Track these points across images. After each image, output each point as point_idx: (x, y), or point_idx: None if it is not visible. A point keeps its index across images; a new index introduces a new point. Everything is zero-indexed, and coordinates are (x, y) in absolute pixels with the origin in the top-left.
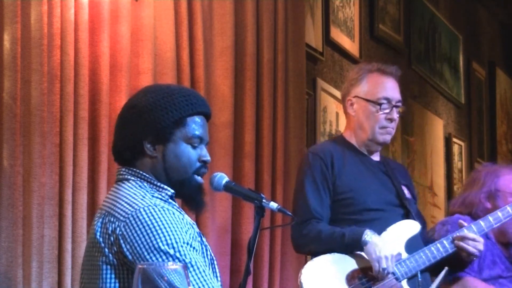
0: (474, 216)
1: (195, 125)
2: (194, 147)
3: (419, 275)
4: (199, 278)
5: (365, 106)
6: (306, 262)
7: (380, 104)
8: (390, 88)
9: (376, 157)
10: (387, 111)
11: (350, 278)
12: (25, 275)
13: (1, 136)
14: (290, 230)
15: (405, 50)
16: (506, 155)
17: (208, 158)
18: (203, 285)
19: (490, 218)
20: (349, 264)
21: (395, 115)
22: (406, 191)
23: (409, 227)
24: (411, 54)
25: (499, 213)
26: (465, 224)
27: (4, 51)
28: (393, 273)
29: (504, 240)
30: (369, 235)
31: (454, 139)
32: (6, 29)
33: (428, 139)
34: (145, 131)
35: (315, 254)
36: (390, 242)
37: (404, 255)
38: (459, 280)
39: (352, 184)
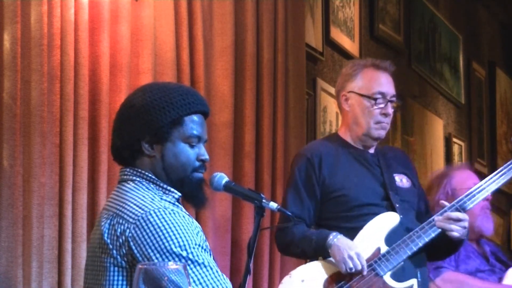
0: None
1: (193, 124)
2: (192, 146)
3: (418, 274)
4: (212, 279)
5: (360, 101)
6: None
7: (375, 99)
8: (384, 83)
9: (371, 150)
10: (382, 105)
11: (328, 284)
12: (25, 275)
13: (1, 136)
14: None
15: (405, 50)
16: (506, 155)
17: (207, 157)
18: (217, 285)
19: (472, 189)
20: (326, 270)
21: (390, 110)
22: (404, 179)
23: (388, 220)
24: (411, 54)
25: (482, 183)
26: (447, 204)
27: (4, 51)
28: (373, 269)
29: (474, 236)
30: (333, 237)
31: (454, 139)
32: (6, 29)
33: (428, 139)
34: (143, 130)
35: (298, 257)
36: (355, 241)
37: (384, 248)
38: (440, 276)
39: (344, 182)
